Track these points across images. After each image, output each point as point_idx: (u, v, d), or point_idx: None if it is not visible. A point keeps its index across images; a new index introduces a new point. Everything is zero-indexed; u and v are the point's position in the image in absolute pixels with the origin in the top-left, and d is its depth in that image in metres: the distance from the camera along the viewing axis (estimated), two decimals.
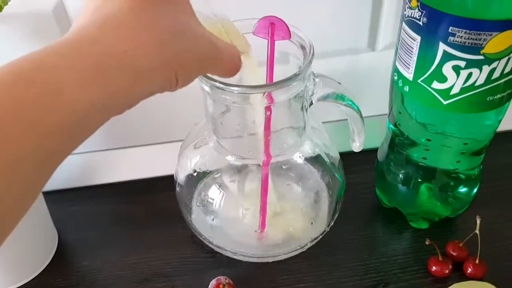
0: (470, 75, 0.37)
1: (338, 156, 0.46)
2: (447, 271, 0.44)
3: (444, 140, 0.42)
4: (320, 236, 0.46)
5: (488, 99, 0.38)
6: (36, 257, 0.47)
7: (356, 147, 0.44)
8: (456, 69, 0.37)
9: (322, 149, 0.44)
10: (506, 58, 0.36)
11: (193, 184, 0.46)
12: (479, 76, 0.36)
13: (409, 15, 0.38)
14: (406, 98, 0.42)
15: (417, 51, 0.38)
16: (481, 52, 0.35)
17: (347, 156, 0.47)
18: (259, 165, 0.42)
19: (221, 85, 0.35)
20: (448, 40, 0.36)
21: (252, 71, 0.36)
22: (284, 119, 0.41)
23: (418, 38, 0.38)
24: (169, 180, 0.48)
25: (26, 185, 0.20)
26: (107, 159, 0.58)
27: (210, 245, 0.45)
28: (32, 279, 0.47)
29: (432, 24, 0.36)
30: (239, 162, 0.43)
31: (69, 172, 0.57)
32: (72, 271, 0.48)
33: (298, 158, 0.44)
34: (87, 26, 0.23)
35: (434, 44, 0.37)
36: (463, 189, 0.46)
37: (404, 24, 0.39)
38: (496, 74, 0.36)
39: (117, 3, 0.24)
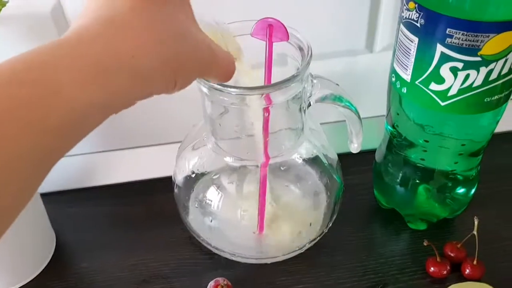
0: (467, 76, 0.37)
1: (336, 157, 0.46)
2: (445, 272, 0.44)
3: (442, 141, 0.42)
4: (319, 237, 0.46)
5: (485, 100, 0.38)
6: (34, 258, 0.47)
7: (354, 148, 0.44)
8: (454, 71, 0.37)
9: (320, 150, 0.44)
10: (504, 59, 0.36)
11: (191, 186, 0.46)
12: (476, 77, 0.37)
13: (407, 17, 0.38)
14: (404, 99, 0.42)
15: (414, 53, 0.38)
16: (479, 53, 0.35)
17: (345, 157, 0.47)
18: (257, 166, 0.42)
19: (219, 87, 0.35)
20: (446, 42, 0.36)
21: (245, 74, 0.36)
22: (282, 121, 0.41)
23: (416, 39, 0.38)
24: (167, 182, 0.48)
25: (23, 183, 0.20)
26: (106, 161, 0.58)
27: (208, 247, 0.45)
28: (30, 281, 0.47)
29: (429, 25, 0.36)
30: (237, 164, 0.43)
31: (67, 174, 0.57)
32: (70, 273, 0.47)
33: (296, 159, 0.44)
34: (87, 25, 0.23)
35: (432, 45, 0.37)
36: (461, 190, 0.46)
37: (401, 26, 0.39)
38: (493, 76, 0.36)
39: (117, 3, 0.24)
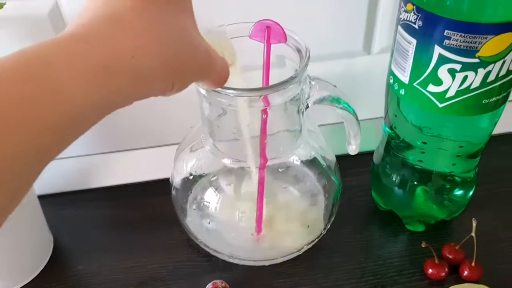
0: (465, 78, 0.37)
1: (334, 159, 0.46)
2: (443, 274, 0.44)
3: (439, 143, 0.42)
4: (317, 239, 0.46)
5: (483, 102, 0.38)
6: (31, 261, 0.47)
7: (352, 150, 0.44)
8: (452, 72, 0.37)
9: (318, 152, 0.44)
10: (501, 61, 0.36)
11: (189, 188, 0.46)
12: (474, 79, 0.37)
13: (405, 19, 0.38)
14: (402, 101, 0.42)
15: (412, 54, 0.38)
16: (476, 55, 0.35)
17: (343, 159, 0.47)
18: (255, 168, 0.42)
19: (217, 88, 0.35)
20: (444, 43, 0.36)
21: (235, 78, 0.37)
22: (280, 122, 0.41)
23: (414, 41, 0.38)
24: (165, 184, 0.48)
25: (17, 182, 0.20)
26: (103, 163, 0.58)
27: (206, 249, 0.45)
28: (27, 283, 0.46)
29: (427, 27, 0.36)
30: (236, 165, 0.43)
31: (65, 176, 0.56)
32: (68, 275, 0.47)
33: (294, 161, 0.44)
34: (87, 24, 0.23)
35: (430, 47, 0.37)
36: (459, 192, 0.46)
37: (399, 28, 0.39)
38: (491, 77, 0.37)
39: (118, 2, 0.24)
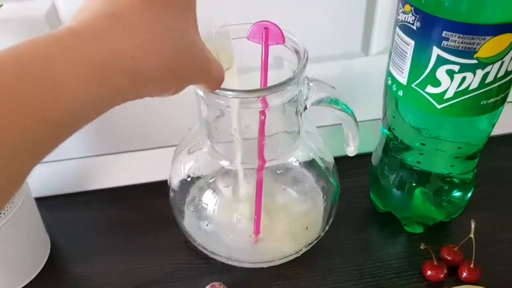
0: (463, 79, 0.37)
1: (332, 160, 0.46)
2: (442, 276, 0.44)
3: (438, 144, 0.42)
4: (315, 241, 0.45)
5: (482, 103, 0.38)
6: (28, 263, 0.47)
7: (351, 151, 0.44)
8: (450, 73, 0.37)
9: (316, 153, 0.44)
10: (500, 62, 0.36)
11: (187, 189, 0.45)
12: (472, 80, 0.37)
13: (403, 20, 0.38)
14: (400, 102, 0.42)
15: (410, 56, 0.38)
16: (475, 56, 0.35)
17: (341, 161, 0.47)
18: (253, 169, 0.42)
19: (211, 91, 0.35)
20: (442, 45, 0.36)
21: (232, 80, 0.37)
22: (278, 124, 0.41)
23: (412, 42, 0.38)
24: (162, 186, 0.47)
25: (12, 175, 0.20)
26: (101, 165, 0.58)
27: (204, 251, 0.45)
28: (24, 286, 0.46)
29: (425, 28, 0.36)
30: (234, 167, 0.43)
31: (62, 178, 0.56)
32: (65, 278, 0.47)
33: (292, 162, 0.44)
34: (87, 22, 0.23)
35: (428, 48, 0.37)
36: (457, 193, 0.46)
37: (397, 29, 0.39)
38: (489, 78, 0.36)
39: (118, 1, 0.24)
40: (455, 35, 0.35)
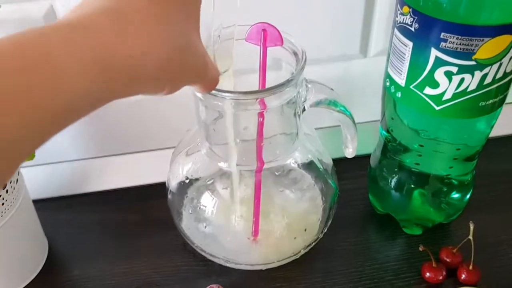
0: (462, 80, 0.37)
1: (331, 162, 0.46)
2: (441, 277, 0.44)
3: (436, 145, 0.42)
4: (314, 243, 0.45)
5: (480, 104, 0.38)
6: (26, 266, 0.47)
7: (349, 153, 0.44)
8: (448, 75, 0.37)
9: (315, 155, 0.44)
10: (498, 63, 0.36)
11: (185, 191, 0.45)
12: (471, 81, 0.37)
13: (401, 21, 0.38)
14: (399, 104, 0.42)
15: (409, 57, 0.38)
16: (473, 57, 0.35)
17: (340, 162, 0.47)
18: (251, 171, 0.42)
19: (214, 91, 0.35)
20: (440, 46, 0.36)
21: (229, 82, 0.37)
22: (276, 125, 0.41)
23: (410, 44, 0.38)
24: (161, 188, 0.47)
25: (6, 164, 0.20)
26: (99, 167, 0.58)
27: (202, 253, 0.45)
28: None
29: (424, 30, 0.36)
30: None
31: (60, 180, 0.56)
32: (63, 280, 0.47)
33: (291, 164, 0.44)
34: (87, 16, 0.23)
35: (426, 50, 0.37)
36: (456, 195, 0.46)
37: (396, 30, 0.39)
38: (488, 80, 0.36)
39: (119, 2, 0.24)
40: (454, 37, 0.35)
